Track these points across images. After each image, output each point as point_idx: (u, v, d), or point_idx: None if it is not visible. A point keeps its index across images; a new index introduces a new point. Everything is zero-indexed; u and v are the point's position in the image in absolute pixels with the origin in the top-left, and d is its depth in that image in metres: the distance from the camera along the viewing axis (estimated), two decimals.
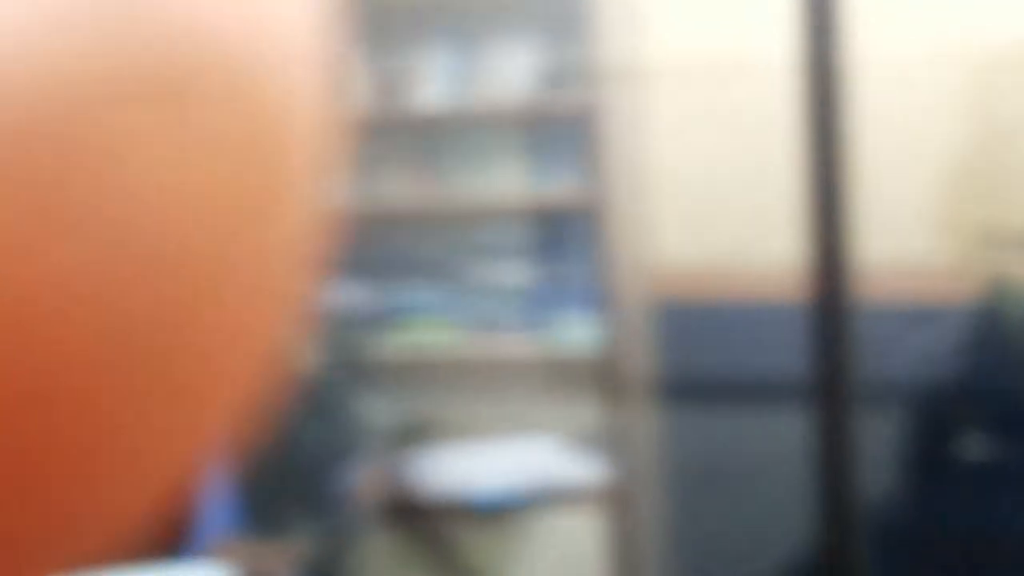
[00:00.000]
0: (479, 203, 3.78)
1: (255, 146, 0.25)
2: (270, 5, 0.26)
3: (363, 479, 2.76)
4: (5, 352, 0.21)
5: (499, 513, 3.45)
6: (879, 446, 2.46)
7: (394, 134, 3.81)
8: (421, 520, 2.76)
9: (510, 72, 3.68)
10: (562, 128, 3.67)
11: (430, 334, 3.79)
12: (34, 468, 0.23)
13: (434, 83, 3.73)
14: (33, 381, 0.22)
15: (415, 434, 3.44)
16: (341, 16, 0.31)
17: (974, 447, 2.88)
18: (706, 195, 3.55)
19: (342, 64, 0.31)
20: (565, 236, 3.70)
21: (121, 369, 0.23)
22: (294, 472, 2.75)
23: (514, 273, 3.74)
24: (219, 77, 0.24)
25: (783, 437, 2.81)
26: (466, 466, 3.50)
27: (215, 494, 2.69)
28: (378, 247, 3.85)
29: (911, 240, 3.34)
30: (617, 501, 3.43)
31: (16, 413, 0.22)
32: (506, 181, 3.76)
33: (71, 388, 0.22)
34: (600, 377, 3.45)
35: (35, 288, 0.22)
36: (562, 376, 3.72)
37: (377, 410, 3.24)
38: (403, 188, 3.82)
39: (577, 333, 3.65)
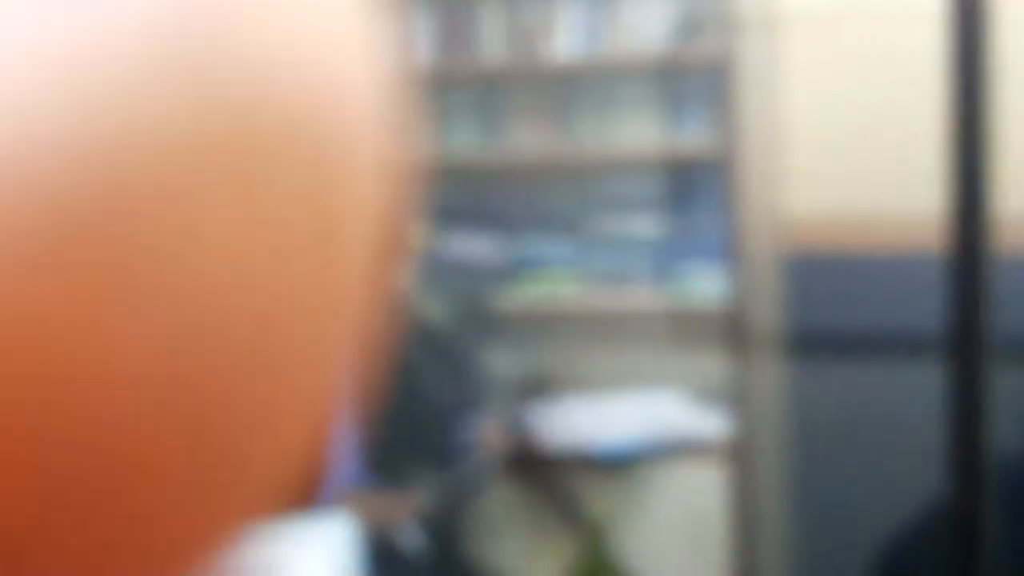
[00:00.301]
0: (610, 155, 3.77)
1: (326, 220, 0.25)
2: (346, 67, 0.25)
3: (487, 431, 2.76)
4: (80, 426, 0.21)
5: (622, 466, 3.45)
6: (1014, 400, 2.41)
7: (528, 86, 3.81)
8: (544, 472, 2.75)
9: (644, 22, 3.65)
10: (695, 79, 3.65)
11: (558, 286, 3.79)
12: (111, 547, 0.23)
13: (568, 34, 3.71)
14: (102, 451, 0.22)
15: (540, 386, 3.44)
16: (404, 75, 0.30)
17: None
18: (841, 145, 3.50)
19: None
20: (696, 188, 3.68)
21: (188, 446, 0.23)
22: (418, 424, 2.77)
23: (643, 225, 3.73)
24: (297, 147, 0.24)
25: (912, 391, 2.77)
26: (590, 418, 3.50)
27: (341, 446, 2.71)
28: (508, 199, 3.86)
29: None
30: (741, 455, 3.40)
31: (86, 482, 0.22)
32: (638, 132, 3.74)
33: (137, 461, 0.22)
34: (727, 330, 3.42)
35: (105, 368, 0.21)
36: (689, 329, 3.71)
37: (503, 362, 3.25)
38: (535, 140, 3.82)
39: (705, 285, 3.64)
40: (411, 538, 2.52)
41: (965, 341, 1.37)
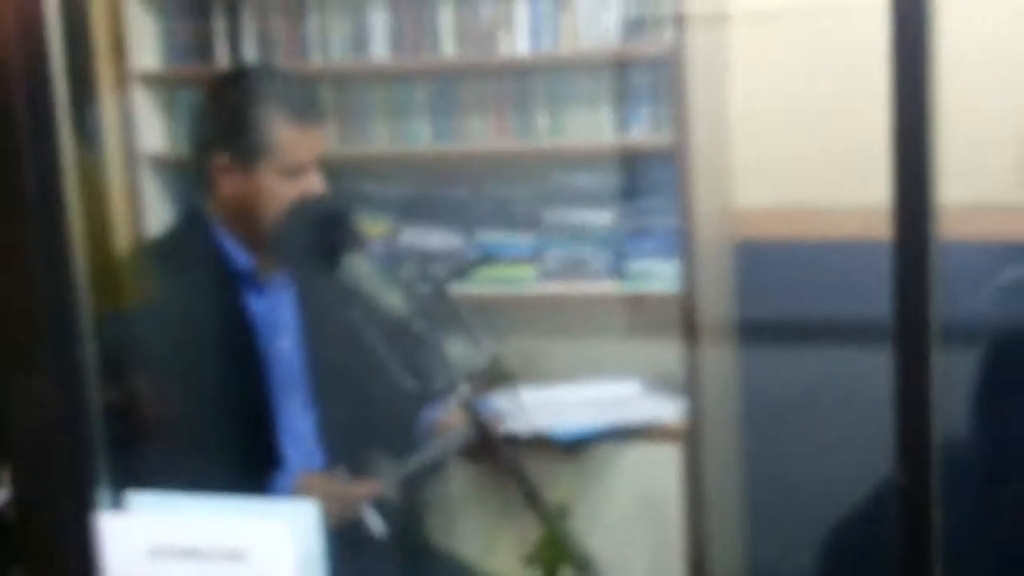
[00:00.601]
0: (564, 148, 3.80)
1: None
2: None
3: (447, 418, 2.79)
4: None
5: (580, 449, 3.49)
6: (958, 385, 2.46)
7: (483, 81, 3.84)
8: (503, 456, 2.80)
9: (595, 18, 3.69)
10: (645, 73, 3.68)
11: (515, 277, 3.83)
12: None
13: (522, 30, 3.75)
14: None
15: (499, 374, 3.47)
16: None
17: None
18: (788, 137, 3.55)
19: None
20: (647, 180, 3.72)
21: None
22: (379, 411, 2.79)
23: (598, 217, 3.77)
24: None
25: (860, 377, 2.82)
26: (549, 404, 3.53)
27: (301, 430, 2.74)
28: (464, 192, 3.89)
29: (996, 178, 3.33)
30: (695, 438, 3.45)
31: None
32: (591, 126, 3.78)
33: None
34: (680, 318, 3.46)
35: None
36: (643, 317, 3.75)
37: (462, 351, 3.28)
38: (490, 133, 3.85)
39: (658, 275, 3.68)
40: (373, 523, 2.54)
41: (910, 327, 1.40)
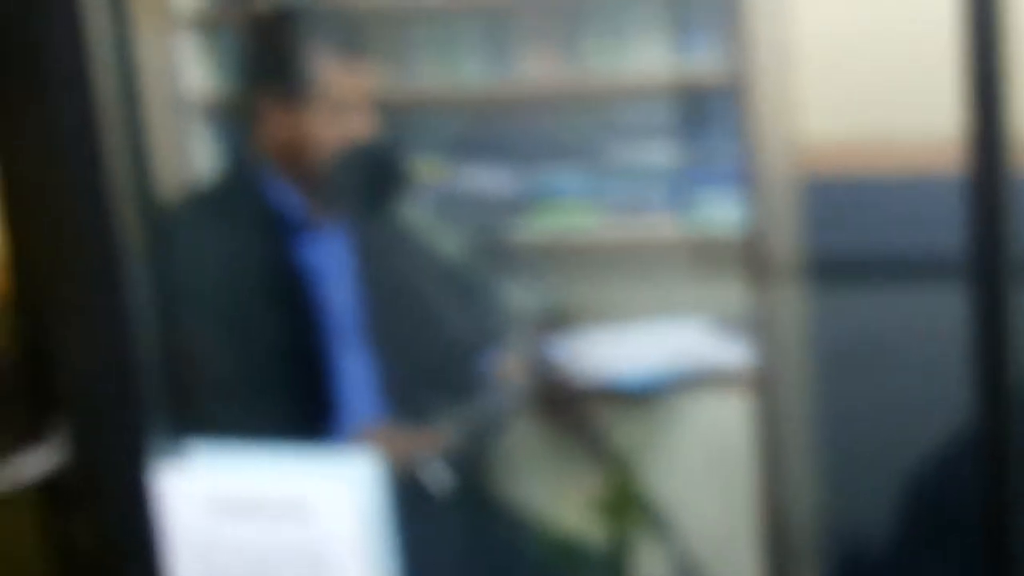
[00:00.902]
0: (621, 82, 3.77)
1: None
2: None
3: (508, 365, 2.78)
4: None
5: (645, 397, 3.46)
6: None
7: (534, 14, 3.80)
8: (566, 405, 2.77)
9: None
10: (705, 2, 3.64)
11: (573, 217, 3.80)
12: None
13: None
14: None
15: (559, 319, 3.45)
16: None
17: None
18: (855, 67, 3.48)
19: None
20: (709, 114, 3.68)
21: None
22: (438, 359, 2.78)
23: (657, 153, 3.74)
24: None
25: (936, 316, 2.76)
26: (611, 350, 3.51)
27: (359, 380, 2.72)
28: (519, 129, 3.86)
29: None
30: (764, 383, 3.41)
31: None
32: (648, 59, 3.74)
33: None
34: (746, 258, 3.42)
35: None
36: (707, 257, 3.71)
37: (521, 295, 3.26)
38: (544, 69, 3.81)
39: (722, 213, 3.65)
40: (436, 474, 2.54)
41: (986, 263, 1.37)
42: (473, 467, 2.86)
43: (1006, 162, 1.34)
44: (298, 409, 2.58)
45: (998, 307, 1.38)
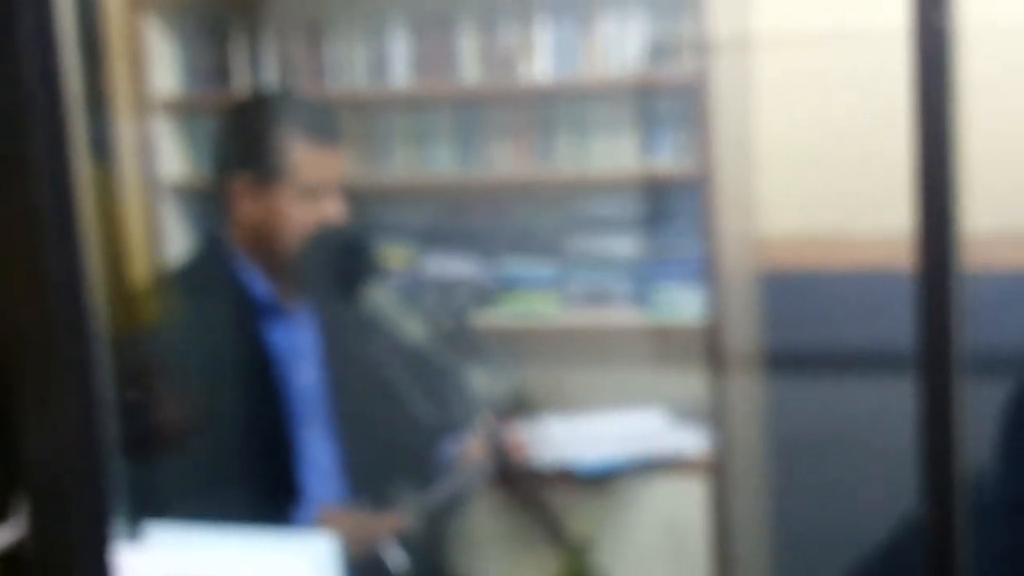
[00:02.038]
0: (587, 176, 3.79)
1: None
2: None
3: (469, 448, 2.77)
4: None
5: (604, 481, 3.46)
6: (984, 416, 2.43)
7: (505, 107, 3.83)
8: (526, 489, 2.77)
9: (618, 44, 3.68)
10: (669, 100, 3.67)
11: (538, 305, 3.81)
12: None
13: (544, 56, 3.74)
14: None
15: (521, 404, 3.45)
16: None
17: None
18: (812, 165, 3.53)
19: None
20: (672, 208, 3.70)
21: None
22: (400, 442, 2.77)
23: (621, 245, 3.75)
24: None
25: (887, 407, 2.79)
26: (571, 435, 3.51)
27: (322, 462, 2.72)
28: (487, 219, 3.87)
29: (1020, 208, 3.30)
30: (720, 470, 3.42)
31: None
32: (614, 153, 3.76)
33: None
34: (705, 348, 3.44)
35: None
36: (668, 347, 3.72)
37: (484, 380, 3.26)
38: (512, 161, 3.83)
39: (683, 304, 3.65)
40: (395, 557, 2.52)
41: (935, 356, 1.38)
42: (431, 549, 2.85)
43: (955, 259, 1.35)
44: (260, 490, 2.55)
45: (946, 398, 1.38)
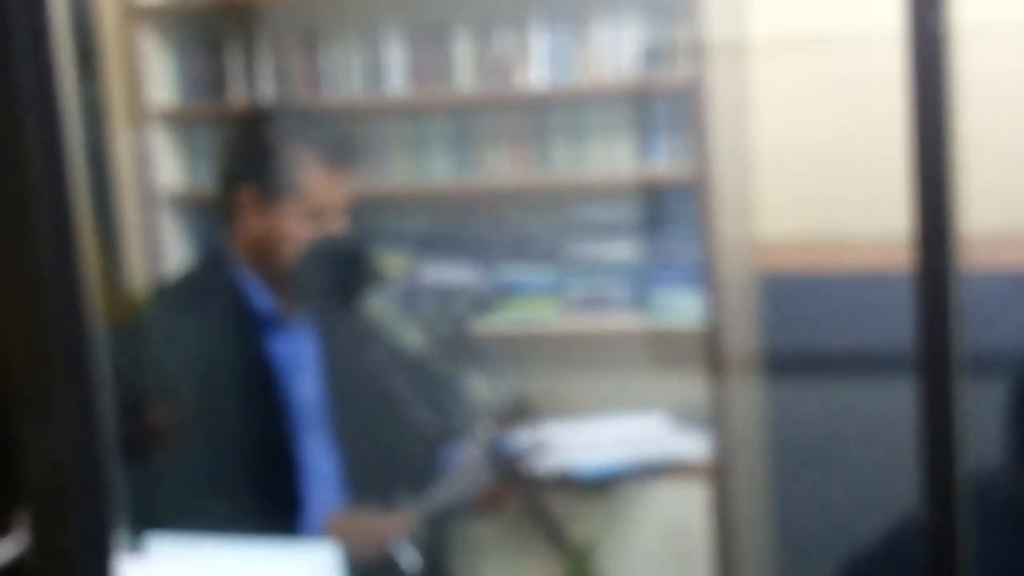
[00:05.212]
0: (584, 181, 3.79)
1: None
2: None
3: (470, 455, 2.77)
4: None
5: (605, 487, 3.46)
6: (984, 417, 2.44)
7: (501, 114, 3.83)
8: (527, 495, 2.78)
9: (614, 49, 3.69)
10: (666, 104, 3.67)
11: (535, 312, 3.81)
12: None
13: (539, 62, 3.75)
14: None
15: (522, 410, 3.46)
16: None
17: None
18: (810, 168, 3.53)
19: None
20: (669, 212, 3.71)
21: None
22: (402, 449, 2.77)
23: (619, 250, 3.76)
24: None
25: (886, 409, 2.80)
26: (572, 441, 3.51)
27: (324, 471, 2.73)
28: (484, 226, 3.88)
29: (1019, 205, 3.31)
30: (721, 474, 3.43)
31: None
32: (610, 158, 3.77)
33: None
34: (704, 352, 3.44)
35: None
36: (667, 351, 3.73)
37: (484, 388, 3.27)
38: (509, 167, 3.84)
39: (682, 308, 3.66)
40: (408, 556, 2.51)
41: (934, 358, 1.38)
42: (433, 555, 2.85)
43: (953, 261, 1.35)
44: (262, 501, 2.55)
45: (945, 400, 1.38)
